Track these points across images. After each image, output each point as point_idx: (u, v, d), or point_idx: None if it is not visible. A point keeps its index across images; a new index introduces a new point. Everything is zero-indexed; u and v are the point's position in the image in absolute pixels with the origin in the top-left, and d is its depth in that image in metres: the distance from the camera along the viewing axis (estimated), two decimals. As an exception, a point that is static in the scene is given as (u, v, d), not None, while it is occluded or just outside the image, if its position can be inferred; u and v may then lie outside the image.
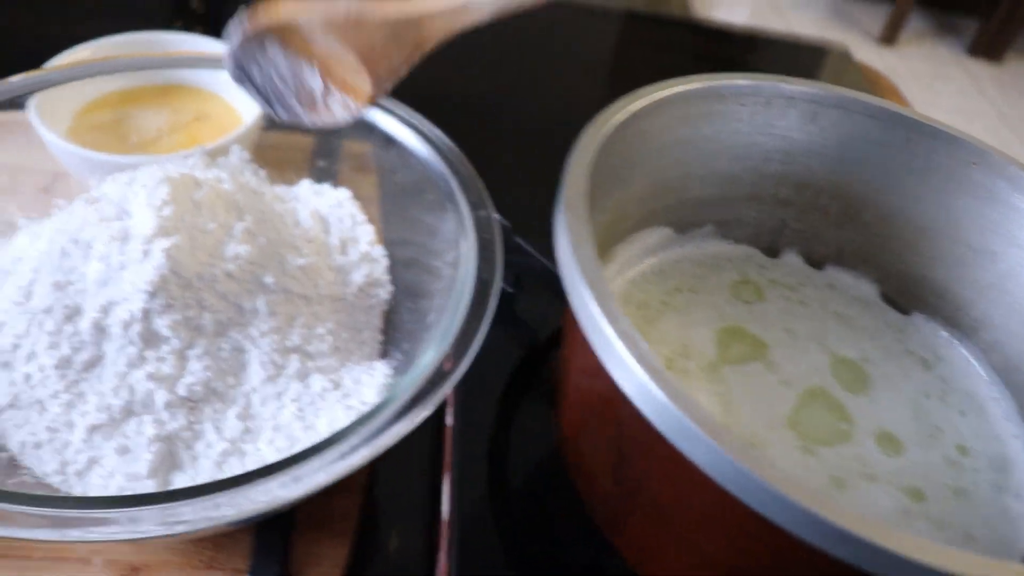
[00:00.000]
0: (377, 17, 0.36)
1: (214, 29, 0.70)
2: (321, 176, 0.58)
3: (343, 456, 0.36)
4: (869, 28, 2.93)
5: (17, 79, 0.53)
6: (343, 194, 0.54)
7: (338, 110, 0.40)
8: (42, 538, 0.33)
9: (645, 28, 1.10)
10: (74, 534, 0.33)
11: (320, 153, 0.60)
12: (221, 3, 1.00)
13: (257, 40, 0.37)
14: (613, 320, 0.28)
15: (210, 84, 0.64)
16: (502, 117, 0.81)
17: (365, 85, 0.39)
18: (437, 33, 0.37)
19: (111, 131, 0.61)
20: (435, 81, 0.58)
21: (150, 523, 0.34)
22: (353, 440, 0.37)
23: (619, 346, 0.28)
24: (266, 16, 0.36)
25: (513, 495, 0.44)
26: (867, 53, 2.69)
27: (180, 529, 0.34)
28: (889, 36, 2.84)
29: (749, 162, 0.46)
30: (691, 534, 0.32)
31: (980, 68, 2.84)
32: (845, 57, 1.10)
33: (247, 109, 0.61)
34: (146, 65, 0.61)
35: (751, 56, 1.10)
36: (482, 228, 0.45)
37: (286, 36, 0.37)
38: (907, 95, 1.03)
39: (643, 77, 0.98)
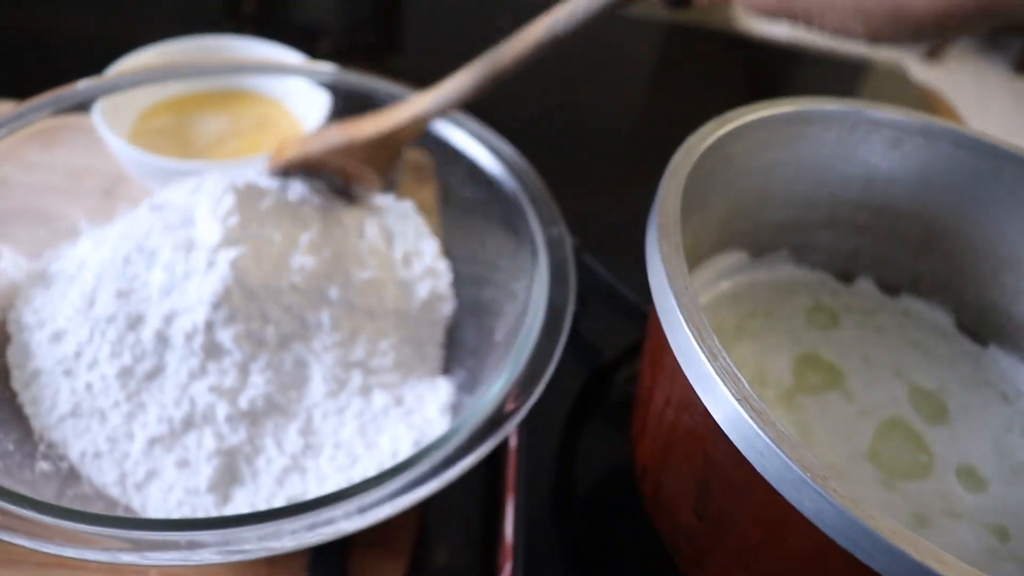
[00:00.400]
0: (360, 139, 0.48)
1: (264, 31, 0.69)
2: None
3: (408, 489, 0.35)
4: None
5: (84, 84, 0.53)
6: (407, 206, 0.54)
7: (362, 192, 0.52)
8: (94, 559, 0.33)
9: (687, 40, 1.09)
10: (128, 558, 0.33)
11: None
12: (272, 5, 1.00)
13: (282, 170, 0.51)
14: (713, 358, 0.27)
15: (271, 91, 0.64)
16: (545, 128, 0.80)
17: (373, 175, 0.51)
18: (405, 138, 0.49)
19: (172, 136, 0.61)
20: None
21: (208, 551, 0.33)
22: (420, 469, 0.35)
23: (721, 386, 0.27)
24: (281, 157, 0.50)
25: (579, 519, 0.43)
26: (913, 69, 2.66)
27: (237, 558, 0.33)
28: (935, 52, 2.80)
29: (828, 187, 0.45)
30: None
31: (1026, 86, 2.80)
32: (897, 74, 1.08)
33: (308, 117, 0.61)
34: (209, 71, 0.61)
35: (796, 70, 1.08)
36: (554, 248, 0.44)
37: (303, 164, 0.50)
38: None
39: (686, 89, 0.97)
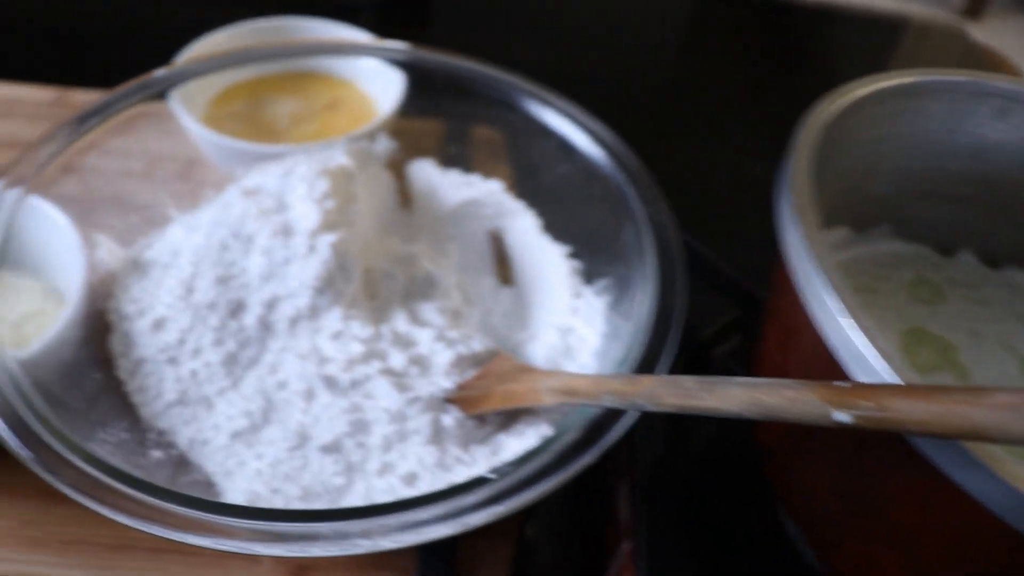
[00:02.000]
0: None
1: (296, 9, 0.68)
2: (453, 163, 0.56)
3: (537, 479, 0.34)
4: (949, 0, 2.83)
5: (161, 73, 0.53)
6: (494, 185, 0.53)
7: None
8: (220, 548, 0.33)
9: (716, 5, 1.07)
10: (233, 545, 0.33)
11: (452, 139, 0.59)
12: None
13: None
14: (872, 337, 0.27)
15: (342, 71, 0.64)
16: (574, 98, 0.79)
17: None
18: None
19: (245, 119, 0.60)
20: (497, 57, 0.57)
21: (332, 543, 0.33)
22: (543, 459, 0.35)
23: (880, 362, 0.26)
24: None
25: (696, 500, 0.43)
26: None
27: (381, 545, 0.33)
28: (973, 9, 2.74)
29: (933, 159, 0.44)
30: (933, 560, 0.30)
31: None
32: (947, 33, 1.05)
33: (382, 96, 0.60)
34: (279, 54, 0.60)
35: (829, 32, 1.05)
36: (659, 229, 0.44)
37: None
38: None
39: (715, 55, 0.95)
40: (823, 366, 0.30)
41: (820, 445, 0.33)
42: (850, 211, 0.45)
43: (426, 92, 0.58)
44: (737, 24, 1.03)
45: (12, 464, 0.45)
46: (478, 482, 0.34)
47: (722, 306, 0.51)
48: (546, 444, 0.36)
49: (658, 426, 0.45)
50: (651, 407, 0.32)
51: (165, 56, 0.57)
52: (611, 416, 0.36)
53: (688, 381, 0.31)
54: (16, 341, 0.41)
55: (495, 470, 0.34)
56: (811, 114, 0.37)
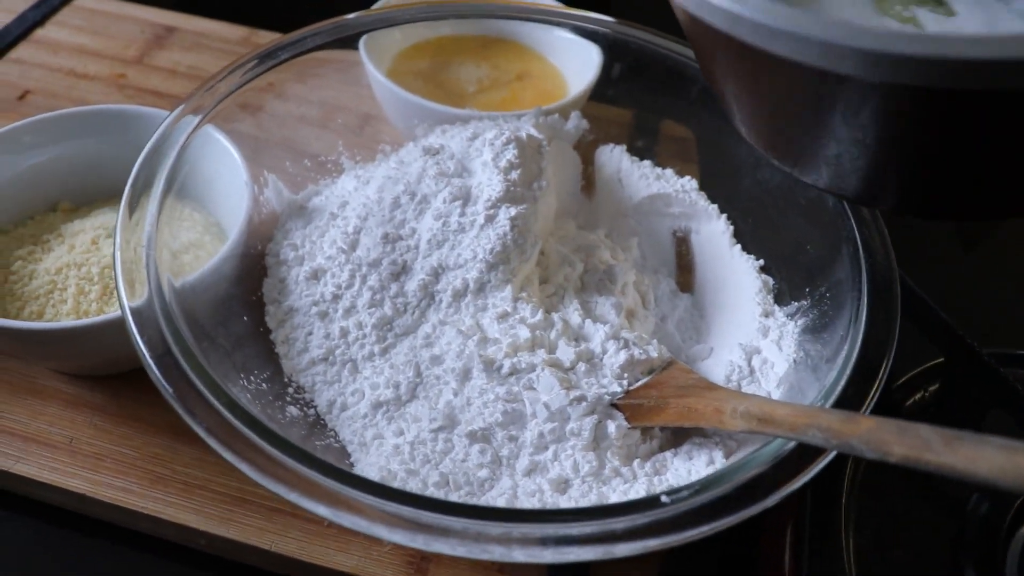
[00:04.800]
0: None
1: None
2: (638, 156, 0.52)
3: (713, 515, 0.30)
4: None
5: (352, 17, 0.51)
6: (688, 183, 0.48)
7: None
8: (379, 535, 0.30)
9: None
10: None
11: (639, 131, 0.55)
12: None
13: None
14: None
15: (534, 41, 0.60)
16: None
17: None
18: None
19: (429, 78, 0.58)
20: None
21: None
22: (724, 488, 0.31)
23: None
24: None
25: (878, 553, 0.38)
26: None
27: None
28: None
29: None
30: None
31: None
32: None
33: (574, 74, 0.56)
34: (475, 12, 0.57)
35: None
36: (874, 255, 0.39)
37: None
38: None
39: None
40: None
41: None
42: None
43: (622, 75, 0.54)
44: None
45: (148, 397, 0.44)
46: (644, 504, 0.30)
47: (918, 349, 0.45)
48: (724, 475, 0.31)
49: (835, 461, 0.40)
50: (871, 454, 0.27)
51: (361, 7, 0.55)
52: (807, 454, 0.31)
53: (925, 430, 0.25)
54: (174, 270, 0.39)
55: (670, 493, 0.30)
56: None
